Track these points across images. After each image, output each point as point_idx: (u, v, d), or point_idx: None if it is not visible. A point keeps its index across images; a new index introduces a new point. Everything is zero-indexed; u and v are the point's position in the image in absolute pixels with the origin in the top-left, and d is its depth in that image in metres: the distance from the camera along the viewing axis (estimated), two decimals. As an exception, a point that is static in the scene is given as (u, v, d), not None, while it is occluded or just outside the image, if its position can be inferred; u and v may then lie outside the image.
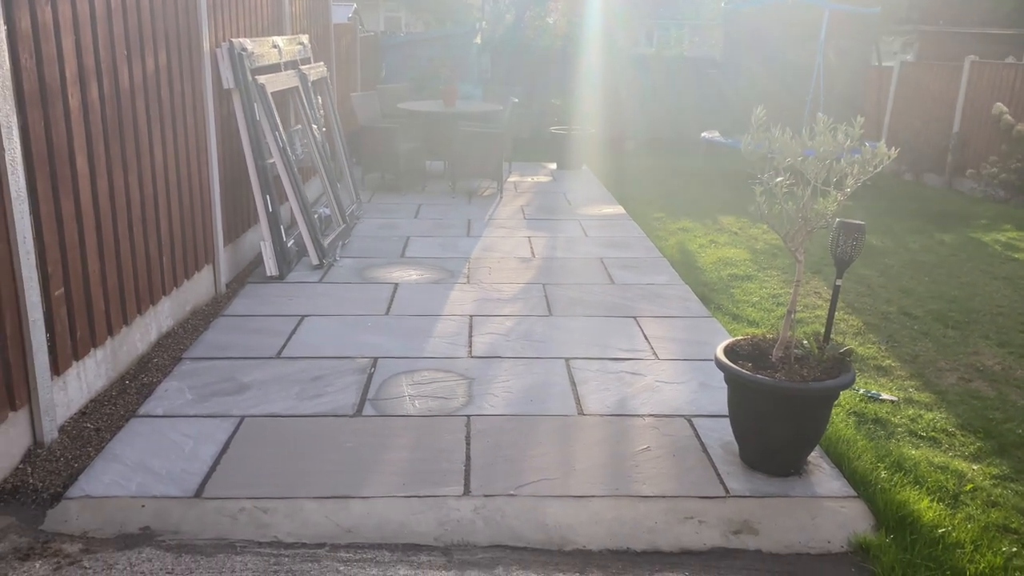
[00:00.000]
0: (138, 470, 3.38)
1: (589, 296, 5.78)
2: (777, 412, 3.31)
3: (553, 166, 11.82)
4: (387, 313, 5.31)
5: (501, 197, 9.36)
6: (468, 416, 3.91)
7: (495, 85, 13.15)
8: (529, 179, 10.71)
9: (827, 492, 3.36)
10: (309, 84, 7.13)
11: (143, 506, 3.15)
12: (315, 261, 6.16)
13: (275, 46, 6.52)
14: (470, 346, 4.78)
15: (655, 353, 4.75)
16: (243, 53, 5.69)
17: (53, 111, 3.54)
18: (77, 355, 3.81)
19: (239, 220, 6.16)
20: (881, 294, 6.38)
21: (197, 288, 5.30)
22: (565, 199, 9.42)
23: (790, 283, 6.55)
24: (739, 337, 3.68)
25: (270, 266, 5.83)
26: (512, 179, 10.62)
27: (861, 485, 3.41)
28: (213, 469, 3.41)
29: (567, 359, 4.62)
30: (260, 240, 5.84)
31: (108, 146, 4.05)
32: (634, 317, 5.35)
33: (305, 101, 6.89)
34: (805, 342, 3.53)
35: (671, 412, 4.01)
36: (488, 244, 7.19)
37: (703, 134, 12.12)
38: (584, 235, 7.63)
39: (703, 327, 5.24)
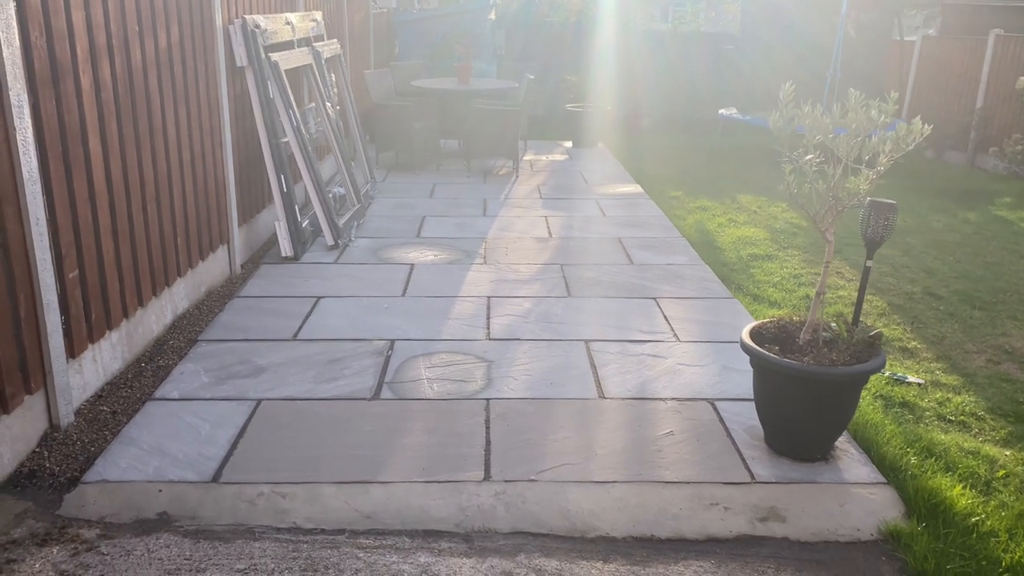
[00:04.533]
0: (155, 454, 3.35)
1: (608, 277, 5.69)
2: (804, 397, 3.23)
3: (569, 144, 11.68)
4: (403, 294, 5.25)
5: (517, 176, 9.26)
6: (487, 400, 3.85)
7: (509, 62, 13.00)
8: (545, 157, 10.59)
9: (855, 478, 3.28)
10: (323, 61, 7.03)
11: (160, 491, 3.12)
12: (330, 241, 6.10)
13: (288, 23, 6.42)
14: (488, 328, 4.72)
15: (676, 335, 4.67)
16: (256, 30, 5.60)
17: (65, 90, 3.47)
18: (92, 337, 3.77)
19: (254, 200, 6.10)
20: (905, 274, 6.26)
21: (212, 269, 5.26)
22: (581, 178, 9.30)
23: (811, 263, 6.45)
24: (765, 319, 3.59)
25: (285, 247, 5.77)
26: (528, 157, 10.51)
27: (890, 471, 3.33)
28: (230, 453, 3.37)
29: (587, 341, 4.55)
30: (275, 220, 5.79)
31: (121, 125, 3.99)
32: (654, 298, 5.27)
33: (319, 79, 6.80)
34: (833, 325, 3.44)
35: (694, 395, 3.94)
36: (504, 224, 7.10)
37: (720, 111, 11.95)
38: (601, 214, 7.53)
39: (724, 308, 5.15)
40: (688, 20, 17.47)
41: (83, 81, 3.61)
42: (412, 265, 5.85)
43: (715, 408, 3.82)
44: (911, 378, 4.37)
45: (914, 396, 4.15)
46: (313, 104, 6.91)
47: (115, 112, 3.92)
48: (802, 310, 5.42)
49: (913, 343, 4.91)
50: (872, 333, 3.33)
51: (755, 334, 3.45)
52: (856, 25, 11.66)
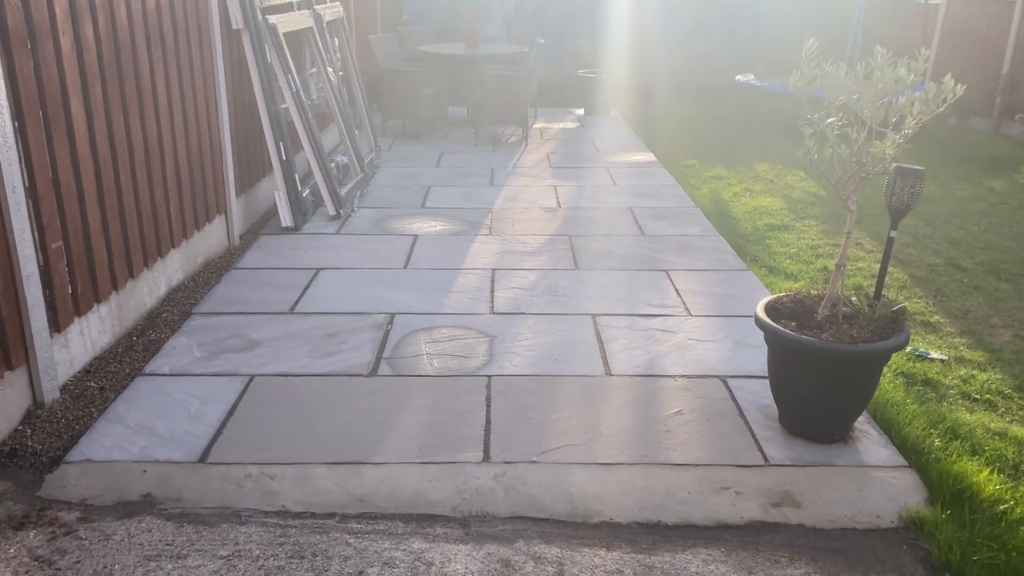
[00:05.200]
0: (141, 432, 3.22)
1: (617, 248, 5.50)
2: (822, 376, 3.05)
3: (580, 111, 11.41)
4: (405, 267, 5.08)
5: (526, 144, 9.03)
6: (489, 376, 3.69)
7: (520, 26, 12.68)
8: (556, 125, 10.34)
9: (875, 461, 3.11)
10: (324, 25, 6.81)
11: (145, 471, 2.99)
12: (331, 212, 5.93)
13: (287, -16, 6.20)
14: (492, 301, 4.55)
15: (687, 309, 4.48)
16: (252, -9, 5.39)
17: (43, 51, 3.29)
18: (79, 311, 3.63)
19: (253, 168, 5.92)
20: (927, 245, 6.03)
21: (209, 239, 5.10)
22: (593, 146, 9.06)
23: (829, 234, 6.22)
24: (781, 293, 3.40)
25: (285, 217, 5.61)
26: (538, 125, 10.26)
27: (912, 454, 3.15)
28: (219, 432, 3.23)
29: (594, 315, 4.37)
30: (274, 190, 5.61)
31: (106, 89, 3.81)
32: (665, 270, 5.07)
33: (320, 43, 6.58)
34: (854, 299, 3.24)
35: (705, 372, 3.76)
36: (512, 193, 6.90)
37: (737, 77, 11.61)
38: (612, 183, 7.31)
39: (738, 281, 4.95)
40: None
41: (63, 42, 3.43)
42: (416, 236, 5.67)
43: (727, 386, 3.65)
44: (934, 354, 4.17)
45: (937, 373, 3.95)
46: (314, 69, 6.70)
47: (99, 75, 3.75)
48: (820, 283, 5.21)
49: (936, 317, 4.70)
50: (895, 308, 3.13)
51: (770, 309, 3.26)
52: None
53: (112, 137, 3.88)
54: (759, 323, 3.16)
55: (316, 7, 6.80)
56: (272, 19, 5.60)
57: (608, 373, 3.74)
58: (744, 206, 6.90)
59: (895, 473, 3.04)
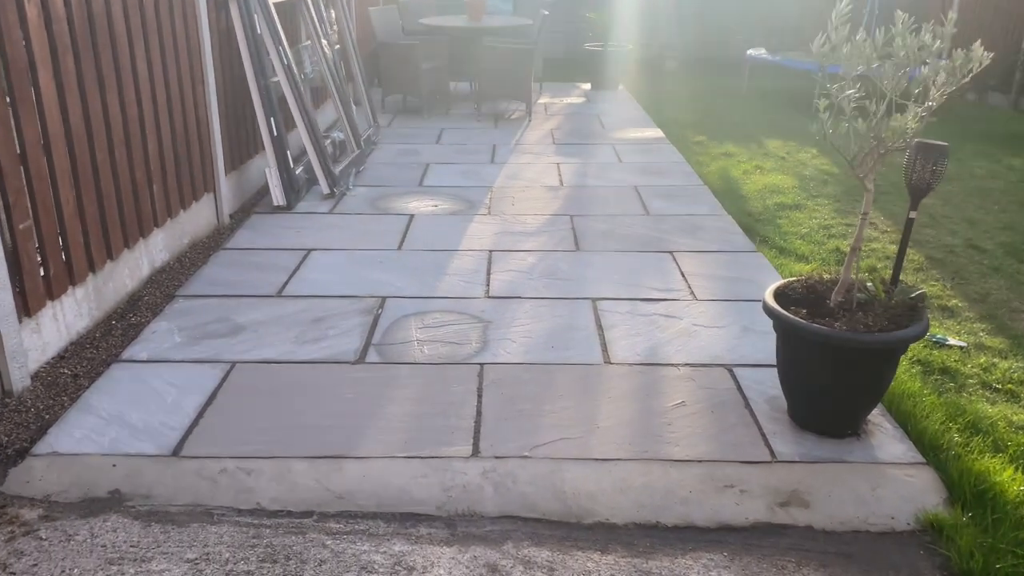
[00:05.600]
0: (113, 423, 3.06)
1: (621, 229, 5.28)
2: (835, 367, 2.85)
3: (587, 86, 11.13)
4: (400, 248, 4.89)
5: (530, 120, 8.78)
6: (481, 364, 3.51)
7: None
8: (561, 100, 10.07)
9: (890, 457, 2.91)
10: (319, -4, 6.57)
11: (114, 465, 2.83)
12: (325, 190, 5.74)
13: (279, -48, 5.95)
14: (487, 285, 4.35)
15: (692, 293, 4.27)
16: (240, -42, 5.16)
17: (5, 20, 3.09)
18: (52, 294, 3.46)
19: (244, 145, 5.72)
20: (944, 224, 5.79)
21: (196, 219, 4.92)
22: (599, 122, 8.81)
23: (842, 213, 5.99)
24: (791, 278, 3.19)
25: (276, 195, 5.42)
26: (542, 100, 10.00)
27: (930, 450, 2.96)
28: (196, 423, 3.07)
29: (594, 300, 4.18)
30: (266, 167, 5.42)
31: (79, 62, 3.61)
32: (670, 252, 4.86)
33: (314, 14, 6.35)
34: (869, 284, 3.03)
35: (709, 361, 3.57)
36: (513, 171, 6.68)
37: (748, 51, 11.29)
38: (618, 161, 7.08)
39: (747, 263, 4.73)
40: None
41: (29, 10, 3.23)
42: (412, 216, 5.48)
43: (733, 375, 3.45)
44: (952, 340, 3.96)
45: (956, 361, 3.74)
46: (309, 42, 6.48)
47: (71, 46, 3.55)
48: (832, 265, 4.99)
49: (954, 301, 4.48)
50: (914, 294, 2.92)
51: (779, 295, 3.06)
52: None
53: (87, 113, 3.69)
54: (767, 310, 2.96)
55: (310, -23, 6.56)
56: (262, -12, 5.38)
57: (607, 361, 3.55)
58: (754, 184, 6.67)
59: (911, 471, 2.85)
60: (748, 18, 13.36)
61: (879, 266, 5.03)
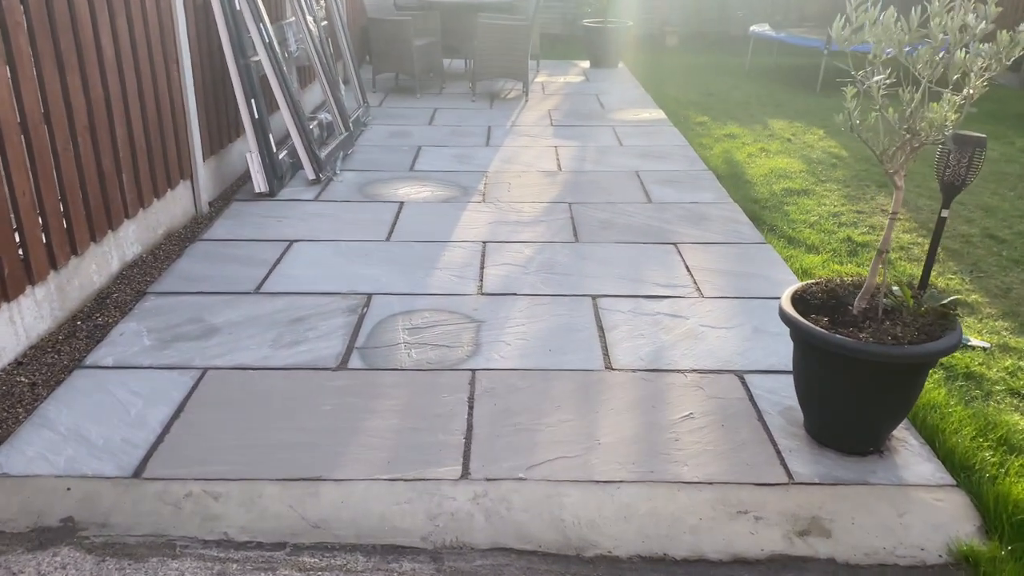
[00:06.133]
0: (71, 440, 2.80)
1: (622, 218, 5.01)
2: (859, 381, 2.60)
3: (586, 64, 10.79)
4: (388, 238, 4.61)
5: (527, 100, 8.46)
6: (473, 371, 3.26)
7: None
8: (559, 79, 9.74)
9: (917, 479, 2.67)
10: (304, -31, 6.23)
11: (69, 489, 2.58)
12: (311, 176, 5.45)
13: (261, -77, 5.61)
14: (481, 280, 4.09)
15: (699, 289, 4.01)
16: (217, -71, 4.83)
17: (-54, -6, 2.80)
18: (7, 295, 3.19)
19: (224, 128, 5.42)
20: (959, 212, 5.52)
21: (172, 208, 4.64)
22: (598, 102, 8.49)
23: (851, 199, 5.72)
24: (809, 281, 2.93)
25: (258, 181, 5.13)
26: (540, 79, 9.67)
27: (960, 470, 2.72)
28: (161, 439, 2.81)
29: (594, 297, 3.91)
30: (246, 152, 5.12)
31: (34, 42, 3.32)
32: (674, 244, 4.59)
33: (299, -11, 6.02)
34: (896, 289, 2.78)
35: (718, 366, 3.32)
36: (509, 155, 6.39)
37: (751, 28, 10.95)
38: (618, 144, 6.78)
39: (755, 256, 4.47)
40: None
41: (-27, -16, 2.93)
42: (402, 203, 5.19)
43: (744, 383, 3.20)
44: (974, 341, 3.71)
45: (980, 364, 3.50)
46: (293, 19, 6.15)
47: (24, 25, 3.25)
48: (843, 255, 4.74)
49: (974, 296, 4.23)
50: (946, 300, 2.67)
51: (798, 300, 2.80)
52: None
53: (45, 98, 3.40)
54: (785, 318, 2.70)
55: (295, -51, 6.21)
56: (241, -39, 5.05)
57: (609, 367, 3.30)
58: (760, 168, 6.39)
59: (941, 494, 2.61)
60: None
61: (893, 257, 4.77)
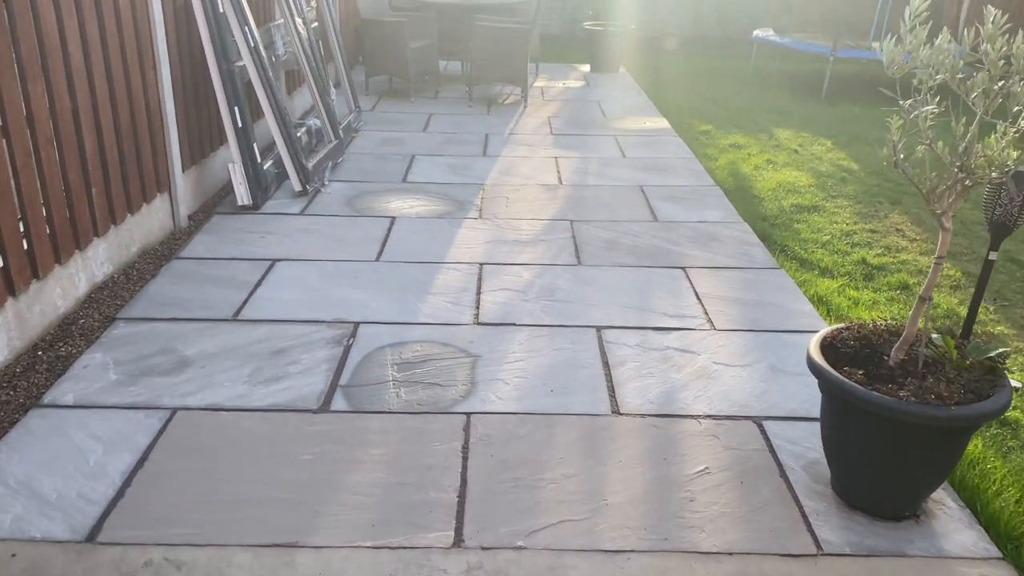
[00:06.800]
0: (20, 494, 2.52)
1: (627, 238, 4.73)
2: (899, 443, 2.34)
3: (586, 68, 10.52)
4: (378, 258, 4.33)
5: (525, 105, 8.19)
6: (468, 415, 2.98)
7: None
8: (559, 84, 9.46)
9: (958, 549, 2.41)
10: (294, -32, 5.94)
11: (14, 556, 2.30)
12: (297, 187, 5.16)
13: (248, -81, 5.32)
14: (477, 307, 3.81)
15: (710, 320, 3.75)
16: (199, -75, 4.53)
17: None
18: (-44, 328, 2.91)
19: (206, 136, 5.13)
20: (979, 233, 5.27)
21: (147, 224, 4.34)
22: (599, 109, 8.22)
23: (864, 217, 5.46)
24: (838, 326, 2.67)
25: (241, 194, 4.84)
26: (539, 84, 9.39)
27: (1006, 540, 2.46)
28: (121, 493, 2.54)
29: (599, 328, 3.64)
30: (229, 163, 4.83)
31: (-9, 46, 3.03)
32: (682, 267, 4.32)
33: (288, -11, 5.73)
34: (936, 337, 2.51)
35: (734, 411, 3.05)
36: (507, 166, 6.11)
37: (755, 32, 10.69)
38: (621, 155, 6.51)
39: (768, 282, 4.21)
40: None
41: (-82, -15, 2.64)
42: (393, 219, 4.91)
43: (763, 431, 2.94)
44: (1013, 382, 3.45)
45: (1014, 408, 3.24)
46: (282, 21, 5.86)
47: (-21, 29, 2.96)
48: (858, 279, 4.49)
49: (999, 328, 3.97)
50: (994, 353, 2.41)
51: (828, 347, 2.54)
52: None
53: (3, 109, 3.11)
54: (815, 370, 2.44)
55: (284, -53, 5.91)
56: (225, -40, 4.76)
57: (616, 411, 3.03)
58: (767, 181, 6.13)
59: (986, 569, 2.35)
60: (754, -4, 12.73)
61: (911, 282, 4.52)
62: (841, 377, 2.35)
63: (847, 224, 5.33)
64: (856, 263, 4.70)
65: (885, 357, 2.50)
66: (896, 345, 2.47)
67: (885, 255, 4.86)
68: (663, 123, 7.65)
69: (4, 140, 3.13)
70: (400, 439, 2.84)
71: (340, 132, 6.08)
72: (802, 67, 11.15)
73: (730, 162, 6.62)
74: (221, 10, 4.67)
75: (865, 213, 5.57)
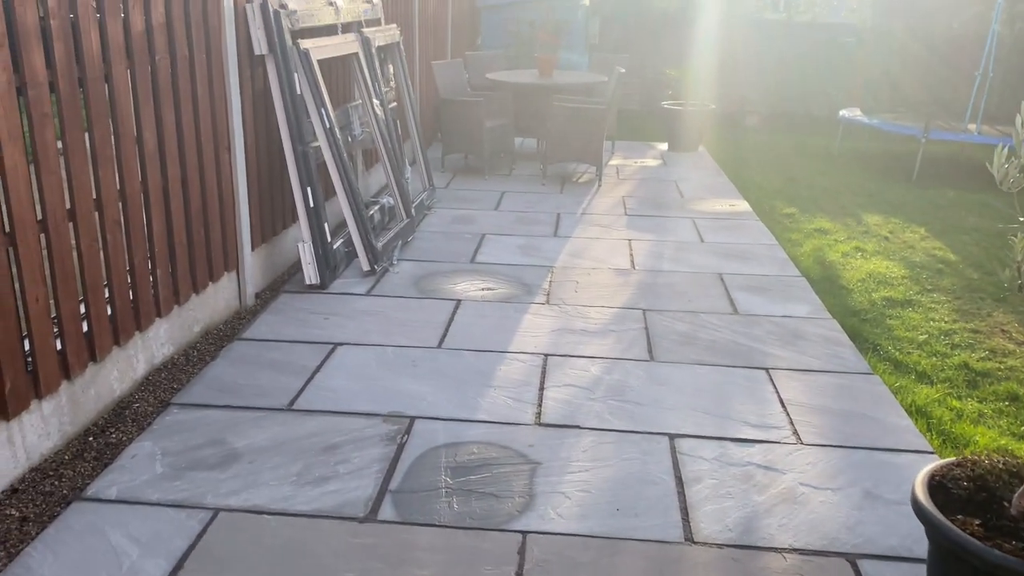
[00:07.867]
0: (47, 602, 2.38)
1: (704, 332, 4.45)
2: (1025, 611, 1.98)
3: (664, 147, 10.37)
4: (439, 345, 4.17)
5: (599, 185, 8.05)
6: (524, 533, 2.73)
7: (602, 53, 11.74)
8: (634, 162, 9.33)
9: None
10: (373, 50, 6.02)
11: (30, 675, 2.14)
12: (365, 267, 5.09)
13: (331, 3, 5.42)
14: (539, 405, 3.59)
15: (796, 433, 3.42)
16: (281, 11, 4.61)
17: (-39, 86, 2.53)
18: (7, 414, 2.84)
19: (278, 215, 5.14)
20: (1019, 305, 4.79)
21: (212, 303, 4.31)
22: (676, 189, 8.02)
23: (963, 314, 5.04)
24: (948, 461, 2.34)
25: (309, 273, 4.79)
26: (614, 162, 9.27)
27: None
28: (150, 607, 2.37)
29: (672, 436, 3.36)
30: (298, 242, 4.80)
31: (65, 132, 3.04)
32: (765, 369, 4.01)
33: (367, 71, 5.79)
34: (1068, 482, 2.16)
35: (824, 545, 2.71)
36: (578, 247, 5.94)
37: (841, 112, 10.39)
38: (699, 239, 6.26)
39: (861, 389, 3.85)
40: (804, 9, 15.76)
41: (-4, 74, 2.67)
42: (458, 301, 4.77)
43: (857, 571, 2.59)
44: None
45: None
46: (359, 101, 5.91)
47: (55, 114, 2.98)
48: (960, 387, 4.08)
49: None
50: None
51: (936, 488, 2.21)
52: (1009, 17, 9.87)
53: (73, 191, 3.12)
54: (923, 516, 2.12)
55: (365, 30, 6.01)
56: (305, 44, 4.82)
57: (689, 539, 2.73)
58: (856, 271, 5.77)
59: None
60: (837, 75, 12.45)
61: (1020, 392, 4.09)
62: (956, 529, 2.03)
63: (945, 322, 4.93)
64: (957, 367, 4.30)
65: (1006, 504, 2.16)
66: (1020, 491, 2.13)
67: (990, 359, 4.43)
68: (744, 205, 7.39)
69: (70, 223, 3.12)
70: (448, 560, 2.60)
71: (412, 210, 6.04)
72: (891, 147, 10.74)
73: (815, 249, 6.29)
74: (299, 92, 4.71)
75: (965, 310, 5.15)
